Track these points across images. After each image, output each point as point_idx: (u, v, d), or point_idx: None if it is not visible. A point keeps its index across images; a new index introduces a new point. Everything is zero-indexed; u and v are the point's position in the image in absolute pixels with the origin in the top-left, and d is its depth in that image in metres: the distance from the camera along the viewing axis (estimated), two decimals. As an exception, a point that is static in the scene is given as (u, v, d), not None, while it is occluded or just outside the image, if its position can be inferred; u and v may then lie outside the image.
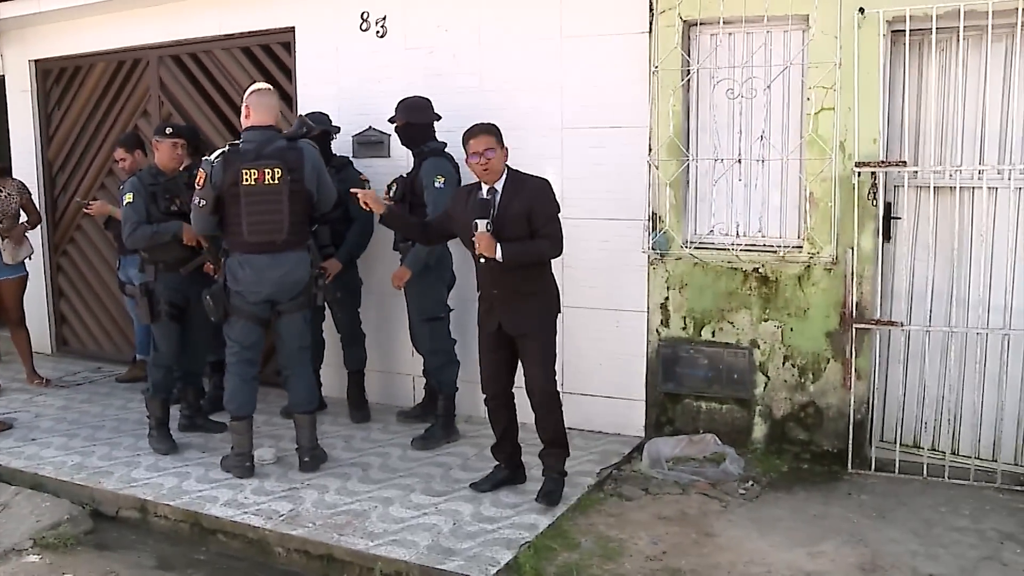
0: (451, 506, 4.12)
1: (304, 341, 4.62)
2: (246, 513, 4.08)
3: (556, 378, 4.11)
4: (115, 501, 4.38)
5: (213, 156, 4.40)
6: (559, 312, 4.18)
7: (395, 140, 5.36)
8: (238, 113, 6.03)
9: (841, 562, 3.62)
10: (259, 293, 4.41)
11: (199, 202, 4.39)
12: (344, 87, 5.53)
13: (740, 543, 3.81)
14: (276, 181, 4.34)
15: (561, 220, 4.02)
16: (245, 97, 4.50)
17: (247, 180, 4.31)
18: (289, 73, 5.82)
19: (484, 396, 4.25)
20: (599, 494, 4.33)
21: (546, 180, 4.06)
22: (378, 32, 5.44)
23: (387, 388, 5.73)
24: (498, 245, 3.84)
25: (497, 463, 4.35)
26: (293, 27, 5.70)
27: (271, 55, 5.91)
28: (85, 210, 5.97)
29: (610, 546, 3.78)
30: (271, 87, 4.63)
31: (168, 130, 4.95)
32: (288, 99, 5.84)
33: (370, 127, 5.45)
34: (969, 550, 3.70)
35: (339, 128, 5.27)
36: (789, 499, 4.27)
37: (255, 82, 5.89)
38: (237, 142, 4.44)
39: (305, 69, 5.68)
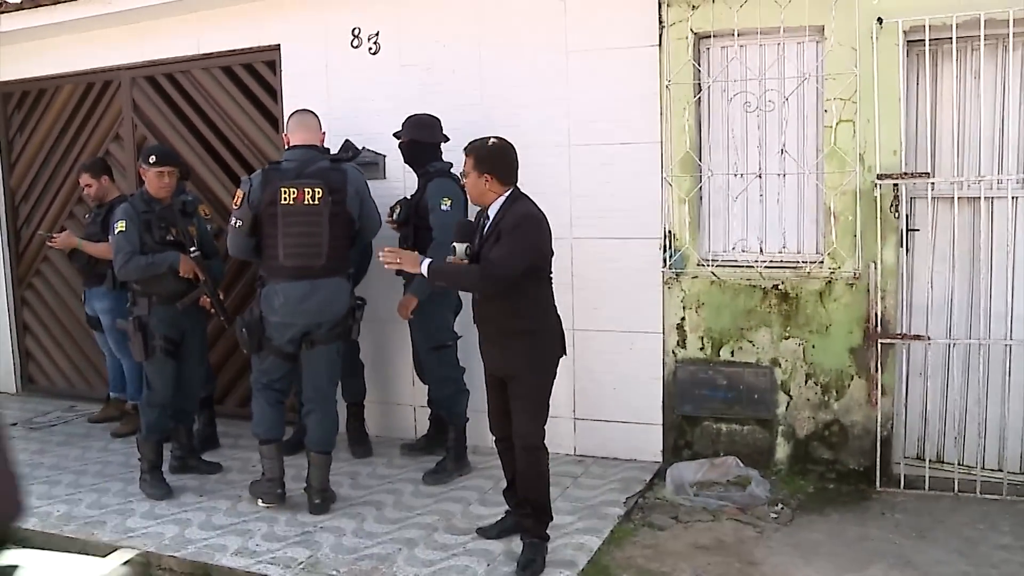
0: (480, 545, 3.90)
1: (333, 375, 4.39)
2: (260, 562, 3.80)
3: (544, 428, 3.68)
4: (112, 554, 4.06)
5: (253, 174, 4.21)
6: (562, 354, 3.74)
7: (390, 161, 5.20)
8: (219, 136, 5.84)
9: (894, 587, 3.51)
10: (294, 326, 4.19)
11: (236, 223, 4.17)
12: (334, 107, 5.29)
13: (786, 570, 3.67)
14: (316, 202, 4.12)
15: (522, 257, 3.49)
16: (285, 124, 4.36)
17: (285, 199, 4.09)
18: (275, 93, 5.56)
19: (493, 438, 3.92)
20: (629, 524, 4.16)
21: (532, 214, 3.57)
22: (370, 49, 5.24)
23: (386, 420, 5.48)
24: (423, 261, 3.59)
25: (508, 508, 4.00)
26: (278, 45, 5.46)
27: (254, 74, 5.65)
28: (49, 243, 5.61)
29: (654, 581, 3.61)
30: (311, 109, 4.44)
31: (152, 159, 4.61)
32: (274, 120, 5.60)
33: (364, 148, 5.22)
34: (1020, 569, 3.61)
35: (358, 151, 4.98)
36: (823, 521, 4.15)
37: (236, 103, 5.72)
38: (279, 160, 4.25)
39: (292, 89, 5.44)
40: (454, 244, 3.61)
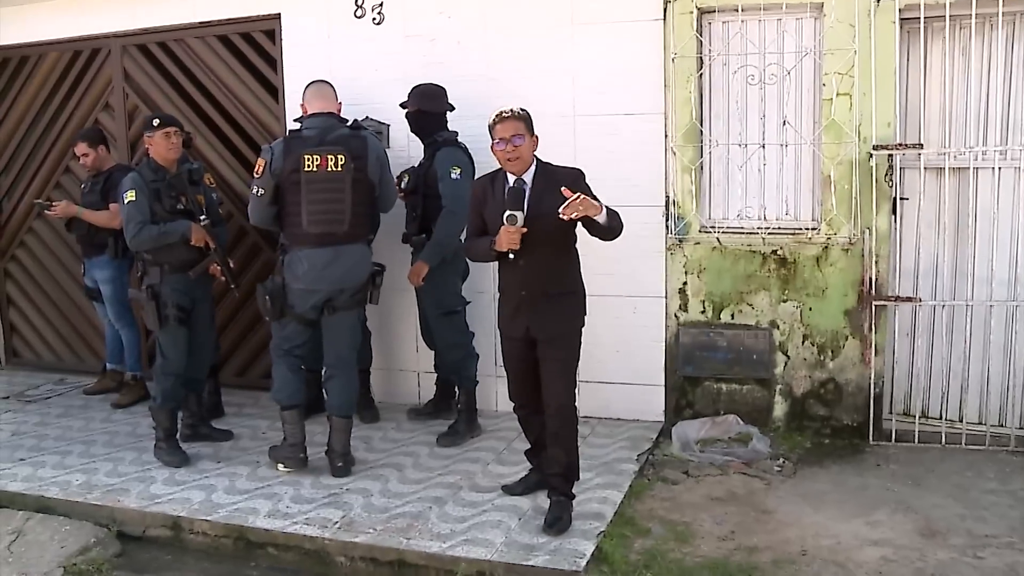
0: (507, 501, 4.04)
1: (355, 341, 4.46)
2: (296, 523, 3.89)
3: (576, 391, 3.79)
4: (141, 520, 4.10)
5: (274, 143, 4.22)
6: (586, 314, 3.88)
7: (395, 131, 5.25)
8: (216, 106, 5.80)
9: (900, 529, 3.77)
10: (318, 293, 4.25)
11: (257, 191, 4.20)
12: (337, 77, 5.21)
13: (798, 518, 3.91)
14: (339, 168, 4.18)
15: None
16: (302, 96, 4.40)
17: (309, 166, 4.14)
18: (274, 63, 5.55)
19: (512, 405, 4.01)
20: (643, 480, 4.36)
21: (580, 169, 3.77)
22: (374, 19, 5.27)
23: (389, 386, 5.58)
24: (603, 205, 3.48)
25: (531, 466, 4.15)
26: (278, 14, 5.44)
27: (253, 44, 5.62)
28: (47, 212, 5.53)
29: (678, 529, 3.81)
30: (327, 80, 4.49)
31: (156, 121, 4.59)
32: (273, 91, 5.60)
33: (367, 117, 5.25)
34: (1009, 511, 3.90)
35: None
36: (825, 473, 4.40)
37: (234, 73, 5.70)
38: (299, 128, 4.27)
39: (293, 59, 5.44)
40: (512, 213, 3.53)
